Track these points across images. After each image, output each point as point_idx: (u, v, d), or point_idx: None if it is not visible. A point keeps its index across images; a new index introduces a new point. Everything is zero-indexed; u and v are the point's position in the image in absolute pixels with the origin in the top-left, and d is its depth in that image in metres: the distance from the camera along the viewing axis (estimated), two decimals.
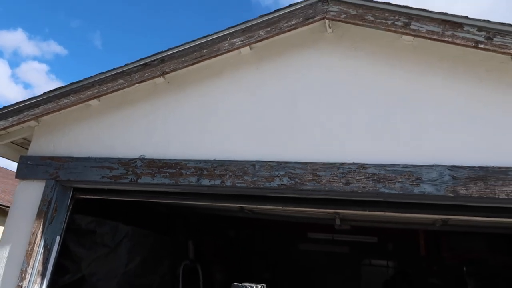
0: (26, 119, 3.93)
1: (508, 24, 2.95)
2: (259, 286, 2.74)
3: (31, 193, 3.92)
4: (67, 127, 4.10)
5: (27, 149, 4.40)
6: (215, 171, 3.47)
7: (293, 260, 9.74)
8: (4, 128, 3.96)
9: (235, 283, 2.62)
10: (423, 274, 7.41)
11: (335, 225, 5.47)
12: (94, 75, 3.82)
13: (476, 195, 2.89)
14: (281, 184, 3.27)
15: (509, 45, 2.92)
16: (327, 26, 3.50)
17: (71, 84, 3.85)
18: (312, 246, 9.55)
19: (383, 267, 8.77)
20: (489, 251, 6.16)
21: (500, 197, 2.85)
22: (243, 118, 3.61)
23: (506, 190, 2.83)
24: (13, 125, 3.95)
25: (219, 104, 3.74)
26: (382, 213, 3.62)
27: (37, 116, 3.93)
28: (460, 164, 2.97)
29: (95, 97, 3.83)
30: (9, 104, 4.03)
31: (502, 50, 2.93)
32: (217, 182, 3.43)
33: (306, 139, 3.38)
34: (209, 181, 3.46)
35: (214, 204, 4.14)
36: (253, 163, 3.40)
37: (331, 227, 6.09)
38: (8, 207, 9.65)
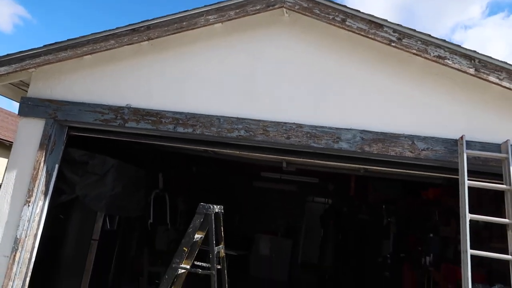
0: (28, 66, 4.64)
1: (414, 30, 3.98)
2: (218, 207, 3.89)
3: (33, 128, 4.75)
4: (62, 75, 4.85)
5: (23, 89, 5.16)
6: (189, 122, 4.45)
7: (248, 195, 11.16)
8: (7, 73, 4.66)
9: (202, 203, 3.73)
10: (353, 211, 9.00)
11: (282, 167, 6.70)
12: (88, 35, 4.53)
13: (376, 152, 4.09)
14: (239, 135, 4.33)
15: (412, 46, 3.98)
16: (285, 12, 4.38)
17: (68, 40, 4.56)
18: (264, 184, 10.95)
19: (322, 204, 10.37)
20: (402, 194, 7.73)
21: (392, 154, 4.06)
22: (212, 81, 4.54)
23: (395, 149, 4.05)
24: (16, 71, 4.66)
25: (193, 67, 4.61)
26: (312, 160, 4.80)
27: (37, 65, 4.65)
28: (368, 129, 4.12)
29: (89, 54, 4.58)
30: (12, 52, 4.67)
31: (407, 49, 3.99)
32: (190, 130, 4.43)
33: (260, 102, 4.38)
34: (183, 129, 4.45)
35: (186, 146, 5.14)
36: (218, 118, 4.40)
37: (280, 168, 7.35)
38: (6, 141, 10.26)
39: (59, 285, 4.86)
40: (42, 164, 4.64)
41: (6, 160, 7.89)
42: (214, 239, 3.63)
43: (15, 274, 4.44)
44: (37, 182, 4.61)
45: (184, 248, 3.61)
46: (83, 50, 4.56)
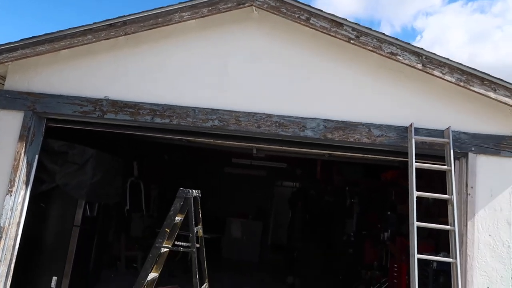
0: (4, 60, 4.76)
1: (371, 28, 4.43)
2: (196, 191, 4.25)
3: (12, 120, 4.89)
4: (39, 67, 4.99)
5: None
6: (165, 113, 4.74)
7: (220, 181, 11.54)
8: None
9: (182, 188, 4.08)
10: (319, 193, 9.59)
11: (253, 154, 7.10)
12: (65, 29, 4.69)
13: (337, 139, 4.56)
14: (213, 125, 4.68)
15: (369, 43, 4.43)
16: (254, 10, 4.72)
17: (46, 34, 4.70)
18: (235, 170, 11.36)
19: (291, 187, 10.92)
20: (364, 176, 8.36)
21: (351, 140, 4.55)
22: (187, 74, 4.84)
23: (354, 136, 4.53)
24: None
25: (168, 60, 4.89)
26: (281, 147, 5.23)
27: (15, 59, 4.77)
28: (330, 119, 4.58)
29: (67, 48, 4.75)
30: None
31: (364, 46, 4.44)
32: (167, 121, 4.73)
33: (233, 94, 4.74)
34: (161, 120, 4.74)
35: (164, 136, 5.43)
36: (193, 109, 4.72)
37: (251, 155, 7.76)
38: None
39: (43, 270, 5.08)
40: (22, 155, 4.81)
41: None
42: (193, 220, 4.00)
43: (0, 261, 4.64)
44: (18, 172, 4.78)
45: (166, 229, 3.96)
46: (60, 44, 4.72)
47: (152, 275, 4.08)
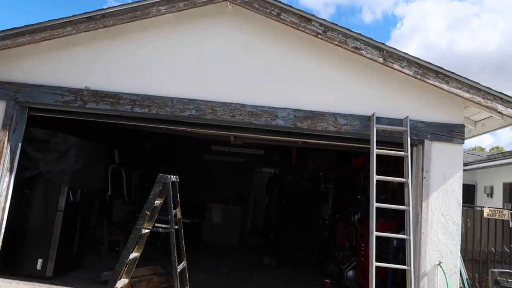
0: None
1: (337, 24, 4.75)
2: (174, 177, 4.54)
3: None
4: (20, 58, 5.15)
5: None
6: (145, 103, 4.99)
7: (200, 167, 11.81)
8: None
9: (161, 174, 4.36)
10: (295, 179, 9.99)
11: (230, 141, 7.41)
12: (46, 21, 4.86)
13: (306, 127, 4.91)
14: (190, 114, 4.96)
15: (335, 38, 4.75)
16: (228, 4, 4.97)
17: (26, 26, 4.86)
18: (215, 157, 11.64)
19: (269, 173, 11.29)
20: (337, 162, 8.79)
21: (319, 129, 4.90)
22: (165, 65, 5.08)
23: (322, 125, 4.89)
24: None
25: (148, 52, 5.12)
26: (254, 135, 5.55)
27: None
28: (299, 108, 4.91)
29: (47, 39, 4.92)
30: None
31: (331, 41, 4.76)
32: (146, 110, 4.98)
33: (209, 84, 5.01)
34: (140, 109, 4.99)
35: (143, 125, 5.68)
36: (171, 99, 4.98)
37: (229, 142, 8.06)
38: None
39: (29, 253, 5.31)
40: (6, 143, 5.00)
41: None
42: (172, 203, 4.31)
43: None
44: (2, 160, 4.98)
45: (147, 212, 4.25)
46: (40, 35, 4.88)
47: (134, 254, 4.38)
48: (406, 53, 4.67)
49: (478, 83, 4.59)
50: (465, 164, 11.64)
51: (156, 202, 4.36)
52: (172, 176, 4.43)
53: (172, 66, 5.08)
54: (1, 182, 4.95)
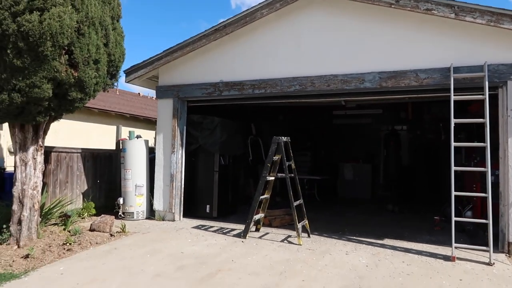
0: (156, 67, 7.23)
1: None
2: (286, 138, 6.06)
3: (166, 105, 7.41)
4: (176, 67, 7.35)
5: (153, 80, 7.80)
6: (261, 85, 6.61)
7: (329, 132, 13.09)
8: (146, 73, 7.32)
9: (275, 136, 5.94)
10: (412, 130, 10.41)
11: (343, 104, 8.51)
12: (188, 39, 6.87)
13: (391, 86, 5.78)
14: (295, 89, 6.36)
15: (407, 4, 5.45)
16: None
17: (177, 44, 6.97)
18: (342, 121, 12.72)
19: (387, 130, 11.88)
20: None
21: (402, 85, 5.72)
22: (272, 54, 6.57)
23: (404, 81, 5.68)
24: (150, 71, 7.30)
25: (258, 47, 6.69)
26: (347, 98, 6.62)
27: (161, 65, 7.20)
28: (383, 70, 5.80)
29: (191, 51, 6.95)
30: (145, 59, 7.28)
31: (404, 8, 5.48)
32: (262, 91, 6.60)
33: (306, 64, 6.30)
34: (258, 91, 6.63)
35: (261, 102, 7.36)
36: (280, 79, 6.47)
37: (345, 106, 9.14)
38: (150, 117, 13.83)
39: (200, 202, 7.66)
40: (176, 127, 7.31)
41: (152, 131, 11.12)
42: (285, 156, 5.86)
43: (175, 195, 7.32)
44: (175, 139, 7.32)
45: (268, 164, 5.92)
46: (186, 49, 6.94)
47: (265, 196, 6.14)
48: (477, 4, 5.07)
49: None
50: None
51: (274, 157, 5.97)
52: (283, 137, 5.96)
53: (278, 54, 6.53)
54: (177, 154, 7.31)
